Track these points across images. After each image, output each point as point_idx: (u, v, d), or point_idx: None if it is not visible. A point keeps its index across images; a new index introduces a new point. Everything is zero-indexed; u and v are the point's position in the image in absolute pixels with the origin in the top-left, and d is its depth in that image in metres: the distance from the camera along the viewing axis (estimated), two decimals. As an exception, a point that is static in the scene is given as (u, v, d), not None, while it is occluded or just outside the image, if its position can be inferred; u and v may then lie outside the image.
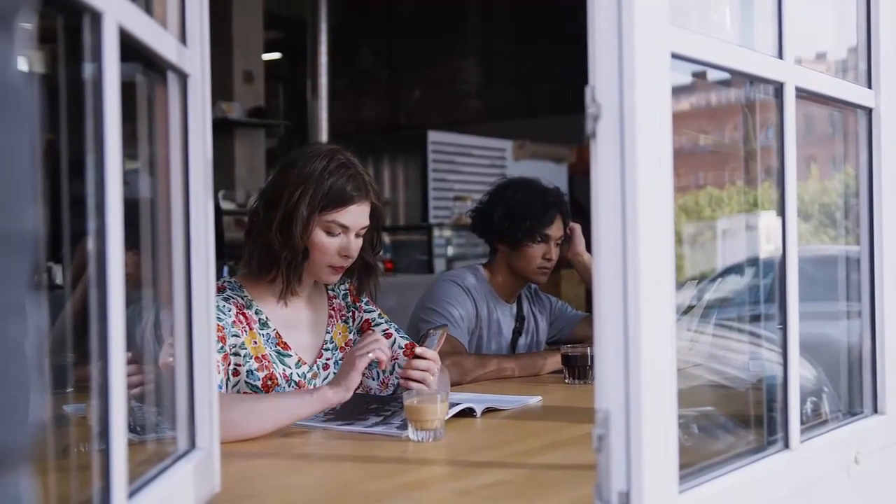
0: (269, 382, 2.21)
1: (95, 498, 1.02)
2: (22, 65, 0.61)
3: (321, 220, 2.20)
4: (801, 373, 1.59)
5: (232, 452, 1.71)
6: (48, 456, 1.15)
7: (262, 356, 2.22)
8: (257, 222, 2.24)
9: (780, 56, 1.53)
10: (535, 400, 2.38)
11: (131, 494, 1.10)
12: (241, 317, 2.20)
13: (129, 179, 1.12)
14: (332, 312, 2.42)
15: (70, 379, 1.53)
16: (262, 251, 2.23)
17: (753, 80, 1.58)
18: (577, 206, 4.56)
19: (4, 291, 0.58)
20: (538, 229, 3.02)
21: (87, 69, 1.03)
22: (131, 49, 1.13)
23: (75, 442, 1.44)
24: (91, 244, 1.03)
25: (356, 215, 2.23)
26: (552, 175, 6.64)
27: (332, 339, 2.39)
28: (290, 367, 2.26)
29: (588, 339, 3.04)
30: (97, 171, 1.02)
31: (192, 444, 1.39)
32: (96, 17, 1.00)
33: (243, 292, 2.26)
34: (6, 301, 0.58)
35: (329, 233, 2.21)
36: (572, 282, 6.71)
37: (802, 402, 1.62)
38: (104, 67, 1.02)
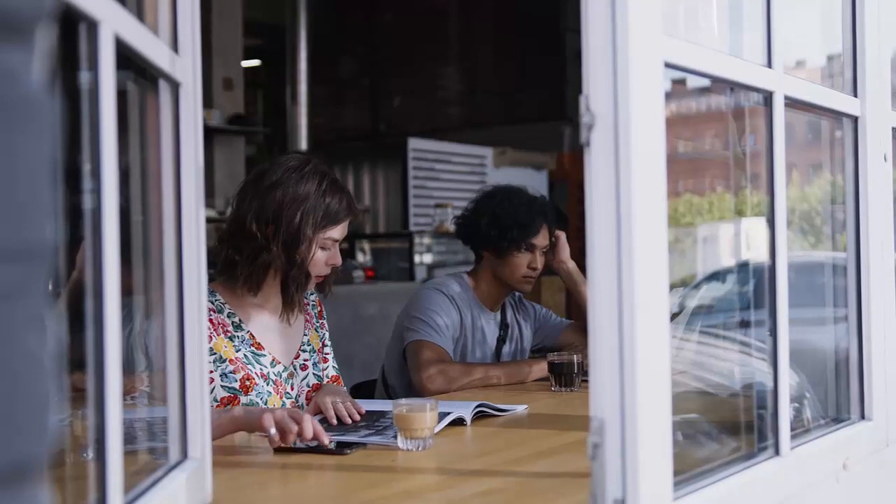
0: (248, 383, 2.25)
1: (91, 509, 1.01)
2: (41, 76, 0.61)
3: (320, 239, 2.30)
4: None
5: (223, 463, 1.71)
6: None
7: (236, 358, 2.26)
8: (254, 242, 2.26)
9: (769, 65, 1.54)
10: (521, 408, 2.38)
11: (126, 506, 1.09)
12: (207, 322, 2.22)
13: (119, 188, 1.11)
14: (308, 317, 2.49)
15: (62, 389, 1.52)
16: (262, 269, 2.28)
17: (744, 88, 1.59)
18: (559, 213, 4.56)
19: (25, 303, 0.57)
20: (524, 238, 3.02)
21: (83, 77, 1.02)
22: (124, 57, 1.12)
23: (64, 452, 1.43)
24: (86, 253, 1.03)
25: (345, 228, 2.36)
26: (532, 182, 6.64)
27: (308, 341, 2.46)
28: (265, 367, 2.30)
29: (573, 347, 3.05)
30: (93, 179, 1.02)
31: (185, 455, 1.38)
32: (93, 26, 1.00)
33: (215, 297, 2.31)
34: (27, 313, 0.57)
35: (323, 248, 2.32)
36: (552, 289, 6.72)
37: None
38: (100, 76, 1.01)
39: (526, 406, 2.40)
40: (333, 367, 2.55)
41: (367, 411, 2.23)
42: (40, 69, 0.60)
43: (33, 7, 0.59)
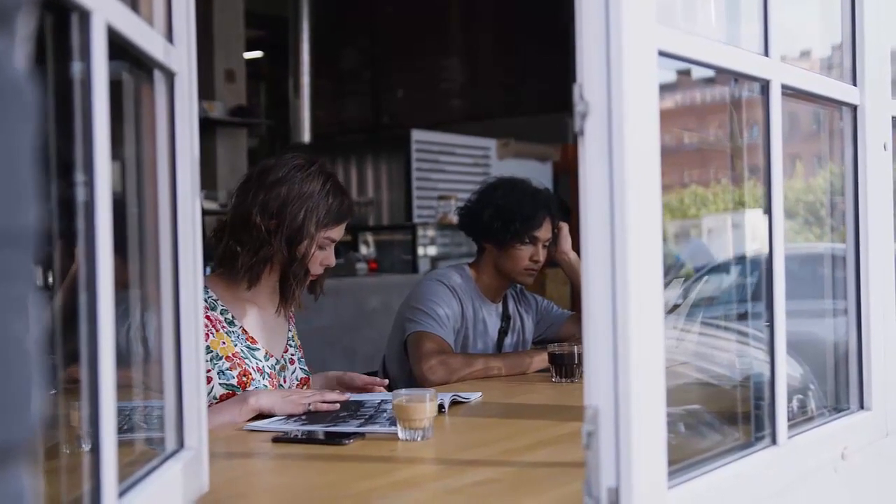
0: (244, 379, 2.28)
1: (86, 498, 1.02)
2: (23, 62, 0.61)
3: (320, 237, 2.33)
4: (787, 371, 1.59)
5: (220, 452, 1.71)
6: (37, 456, 1.15)
7: (233, 354, 2.29)
8: (256, 234, 2.28)
9: (766, 53, 1.54)
10: (475, 396, 2.40)
11: (121, 494, 1.10)
12: (205, 320, 2.23)
13: (113, 180, 1.11)
14: (291, 314, 2.53)
15: (57, 380, 1.52)
16: (262, 262, 2.31)
17: (740, 77, 1.59)
18: (562, 205, 4.59)
19: (8, 287, 0.58)
20: (527, 231, 3.01)
21: (75, 67, 1.02)
22: (118, 47, 1.12)
23: (60, 443, 1.43)
24: (79, 246, 1.03)
25: (343, 230, 2.40)
26: (536, 174, 6.64)
27: (292, 337, 2.50)
28: (260, 361, 2.34)
29: (574, 338, 3.05)
30: (86, 171, 1.02)
31: (181, 444, 1.38)
32: (85, 16, 1.00)
33: (207, 293, 2.31)
34: (10, 297, 0.58)
35: (320, 247, 2.35)
36: (556, 280, 6.73)
37: (789, 400, 1.63)
38: (93, 66, 1.01)
39: (480, 393, 2.41)
40: (303, 369, 2.55)
41: (349, 401, 2.24)
42: (21, 56, 0.61)
43: (13, -6, 0.59)
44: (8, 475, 0.57)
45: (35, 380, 0.60)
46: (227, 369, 2.25)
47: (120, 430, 1.16)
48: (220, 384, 2.24)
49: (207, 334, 2.24)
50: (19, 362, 0.58)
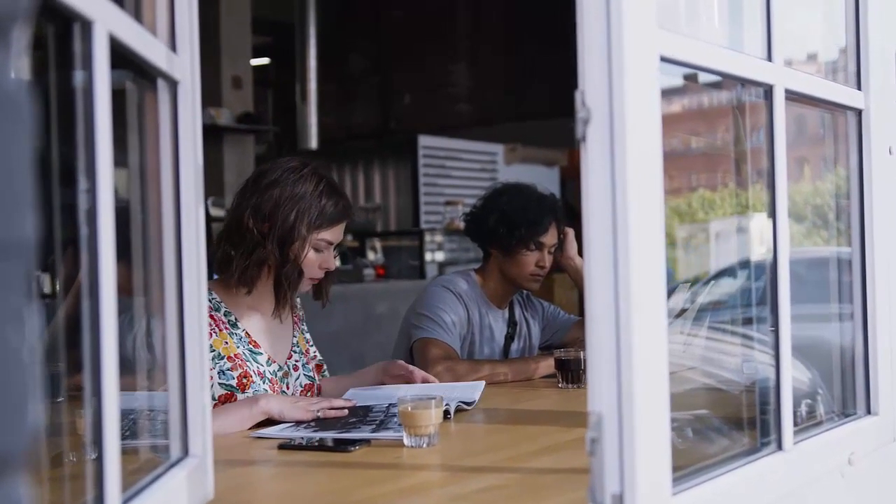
0: (245, 380, 2.28)
1: (89, 506, 1.02)
2: (19, 73, 0.61)
3: (313, 239, 2.32)
4: (795, 375, 1.59)
5: (225, 460, 1.71)
6: (41, 464, 1.15)
7: (235, 355, 2.30)
8: (249, 237, 2.29)
9: (770, 58, 1.54)
10: (479, 385, 2.44)
11: (125, 502, 1.10)
12: (208, 319, 2.24)
13: (117, 187, 1.12)
14: (296, 320, 2.53)
15: (61, 388, 1.53)
16: (256, 266, 2.31)
17: (743, 82, 1.59)
18: (569, 210, 4.57)
19: (4, 298, 0.58)
20: (533, 237, 3.01)
21: (77, 76, 1.03)
22: (121, 56, 1.12)
23: (66, 451, 1.43)
24: (82, 253, 1.03)
25: (341, 232, 2.39)
26: (544, 179, 6.65)
27: (297, 342, 2.50)
28: (262, 365, 2.34)
29: (580, 343, 3.04)
30: (88, 179, 1.02)
31: (186, 452, 1.39)
32: (87, 26, 1.00)
33: (211, 295, 2.33)
34: (5, 308, 0.58)
35: (316, 249, 2.35)
36: (565, 286, 6.72)
37: (797, 405, 1.62)
38: (95, 75, 1.02)
39: (483, 382, 2.44)
40: (308, 374, 2.55)
41: (357, 407, 2.24)
42: (18, 67, 0.61)
43: (9, 6, 0.59)
44: (6, 484, 0.58)
45: (32, 390, 0.61)
46: (228, 369, 2.26)
47: (124, 437, 1.16)
48: (219, 384, 2.24)
49: (210, 333, 2.24)
50: (16, 372, 0.58)
